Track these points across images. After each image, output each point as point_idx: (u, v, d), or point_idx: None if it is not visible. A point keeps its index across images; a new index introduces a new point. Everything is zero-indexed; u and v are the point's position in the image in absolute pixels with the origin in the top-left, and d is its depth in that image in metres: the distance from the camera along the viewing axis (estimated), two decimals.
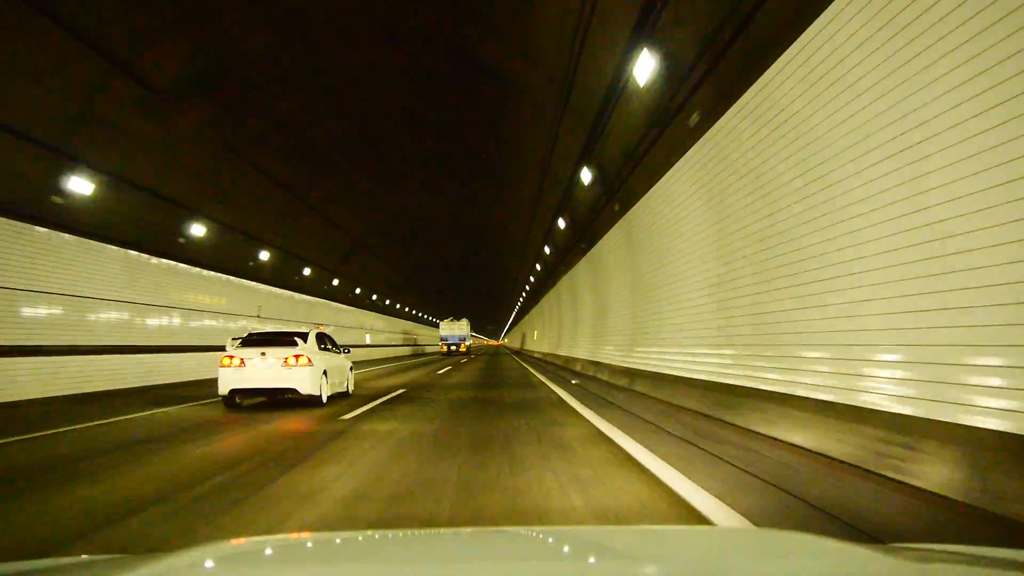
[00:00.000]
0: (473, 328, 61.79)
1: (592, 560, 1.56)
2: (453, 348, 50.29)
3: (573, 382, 15.94)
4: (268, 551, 1.65)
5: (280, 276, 25.66)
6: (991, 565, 1.35)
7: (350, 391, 12.88)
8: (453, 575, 1.38)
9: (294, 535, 2.91)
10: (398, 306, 53.24)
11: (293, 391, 10.20)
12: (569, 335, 24.94)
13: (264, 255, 22.97)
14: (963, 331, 4.01)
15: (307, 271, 27.72)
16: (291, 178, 20.77)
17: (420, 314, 65.97)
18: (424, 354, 54.90)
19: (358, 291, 37.72)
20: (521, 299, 55.93)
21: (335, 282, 32.52)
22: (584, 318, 20.80)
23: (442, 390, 14.76)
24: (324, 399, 10.78)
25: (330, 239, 28.88)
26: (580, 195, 16.86)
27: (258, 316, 23.87)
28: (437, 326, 55.04)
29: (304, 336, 10.99)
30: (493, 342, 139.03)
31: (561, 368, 23.40)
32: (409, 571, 1.41)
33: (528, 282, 41.47)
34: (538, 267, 31.42)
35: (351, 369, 13.21)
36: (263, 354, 10.21)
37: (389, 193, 26.45)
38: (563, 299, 26.45)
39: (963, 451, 3.92)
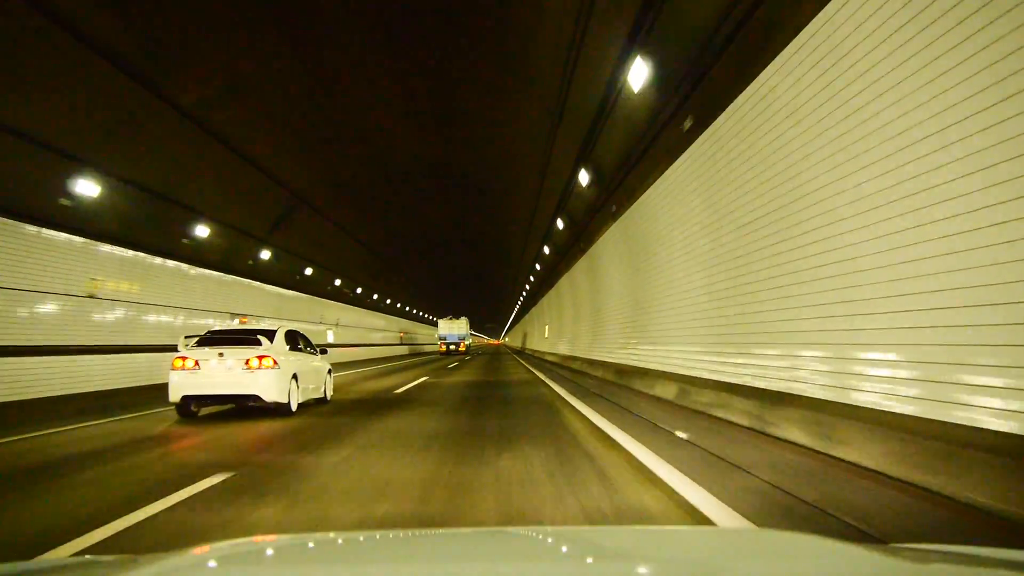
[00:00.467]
0: (472, 327, 58.77)
1: (591, 560, 1.52)
2: (452, 347, 47.64)
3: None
4: (268, 551, 1.63)
5: (141, 232, 15.66)
6: (991, 565, 1.32)
7: (329, 397, 11.29)
8: (452, 575, 1.34)
9: (295, 536, 2.58)
10: (382, 301, 43.36)
11: (256, 398, 8.82)
12: (624, 328, 14.34)
13: (89, 187, 12.87)
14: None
15: (203, 231, 17.68)
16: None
17: (419, 312, 61.39)
18: (421, 354, 50.40)
19: (309, 271, 27.62)
20: (524, 294, 47.92)
21: (265, 254, 22.48)
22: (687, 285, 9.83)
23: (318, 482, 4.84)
24: (294, 407, 9.33)
25: (258, 187, 18.96)
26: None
27: (91, 296, 13.85)
28: (436, 324, 52.05)
29: (271, 334, 9.55)
30: (493, 341, 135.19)
31: (612, 386, 13.22)
32: (409, 571, 1.40)
33: (538, 259, 31.32)
34: (559, 223, 21.20)
35: (329, 372, 11.47)
36: (221, 355, 8.86)
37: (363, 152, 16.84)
38: (604, 269, 16.36)
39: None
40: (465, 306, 62.93)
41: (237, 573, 1.40)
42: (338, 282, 31.84)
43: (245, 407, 9.34)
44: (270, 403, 8.87)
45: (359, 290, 36.61)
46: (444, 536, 2.14)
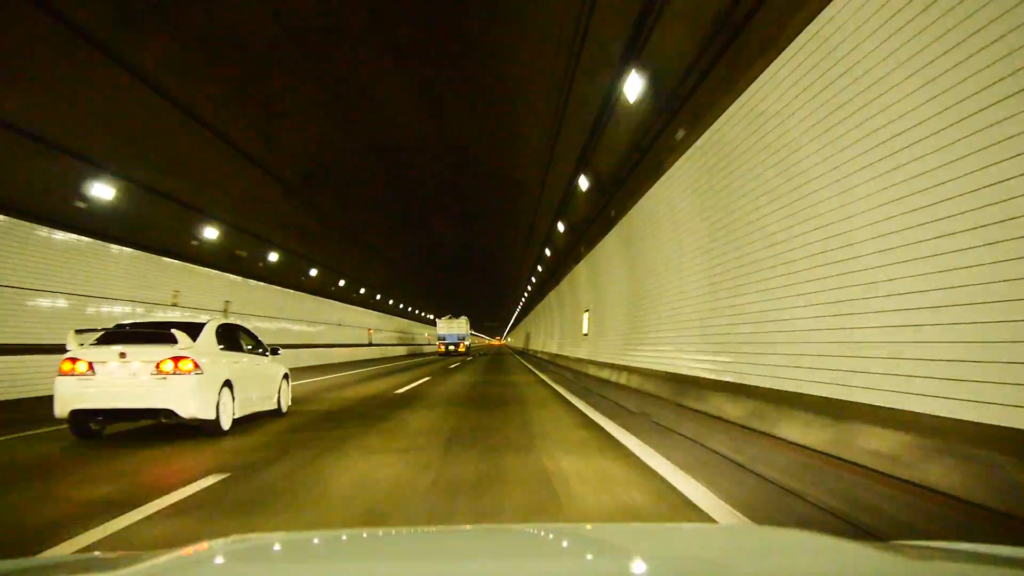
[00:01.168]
0: (472, 326, 54.87)
1: (591, 557, 1.47)
2: (452, 348, 44.52)
3: None
4: (269, 548, 1.58)
5: None
6: (992, 563, 1.29)
7: (284, 409, 8.94)
8: (453, 573, 1.27)
9: (295, 533, 2.52)
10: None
11: (170, 413, 6.58)
12: None
13: None
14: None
15: None
16: None
17: (416, 311, 57.39)
18: (419, 354, 47.48)
19: (106, 194, 13.03)
20: (529, 289, 38.69)
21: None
22: None
23: None
24: (225, 424, 7.06)
25: None
26: None
27: None
28: (435, 324, 49.09)
29: (195, 329, 7.19)
30: (494, 341, 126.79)
31: None
32: (408, 569, 1.34)
33: (551, 242, 16.82)
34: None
35: (286, 378, 9.05)
36: (123, 356, 6.63)
37: None
38: None
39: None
40: (463, 302, 58.69)
41: (237, 570, 1.37)
42: (213, 233, 17.31)
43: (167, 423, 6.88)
44: (187, 419, 6.67)
45: (274, 256, 22.08)
46: (444, 533, 2.02)
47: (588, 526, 2.72)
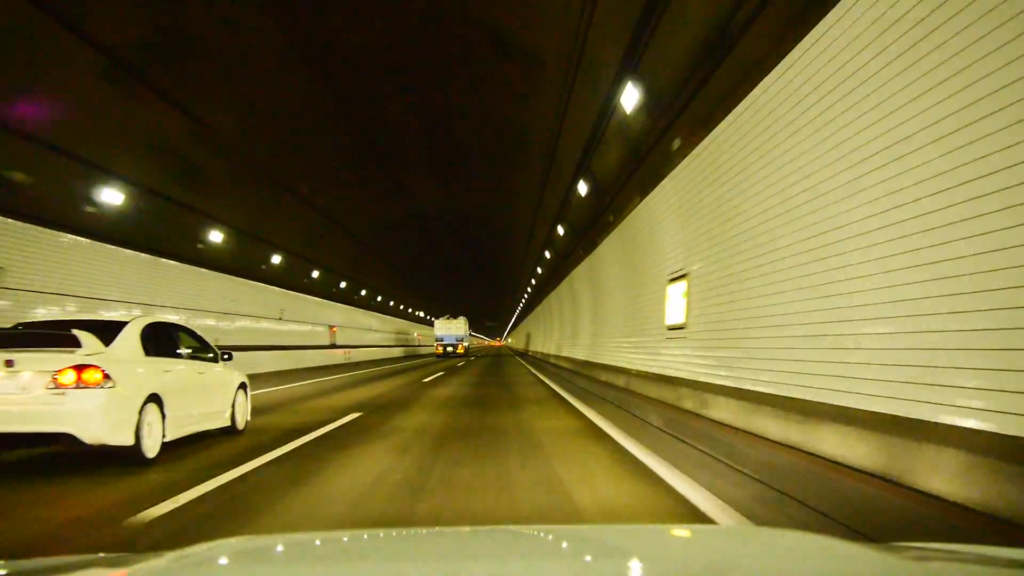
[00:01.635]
0: (471, 326, 53.62)
1: (591, 558, 1.45)
2: (450, 349, 43.10)
3: None
4: (271, 549, 1.55)
5: None
6: (992, 564, 1.26)
7: (241, 426, 7.16)
8: (452, 574, 1.24)
9: (296, 534, 2.56)
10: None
11: (69, 438, 4.97)
12: None
13: None
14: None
15: None
16: None
17: (411, 310, 53.65)
18: (415, 356, 45.10)
19: None
20: (539, 271, 30.80)
21: None
22: None
23: None
24: (150, 450, 5.38)
25: None
26: None
27: None
28: (432, 324, 48.15)
29: (109, 330, 5.55)
30: (494, 342, 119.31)
31: None
32: (408, 570, 1.29)
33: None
34: None
35: (243, 388, 7.28)
36: (9, 364, 4.99)
37: None
38: None
39: None
40: (459, 302, 56.43)
41: (237, 571, 1.33)
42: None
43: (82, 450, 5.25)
44: (91, 443, 4.97)
45: (115, 196, 12.73)
46: (444, 535, 2.00)
47: (589, 527, 2.70)
